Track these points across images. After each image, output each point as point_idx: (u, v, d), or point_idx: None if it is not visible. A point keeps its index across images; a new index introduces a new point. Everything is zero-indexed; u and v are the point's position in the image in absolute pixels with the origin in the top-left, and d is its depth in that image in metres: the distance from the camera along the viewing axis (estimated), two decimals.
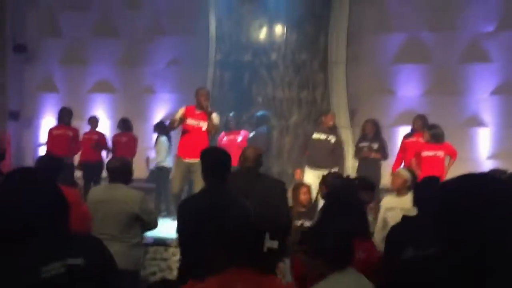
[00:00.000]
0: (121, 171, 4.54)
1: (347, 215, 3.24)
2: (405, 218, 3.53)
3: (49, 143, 8.33)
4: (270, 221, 2.00)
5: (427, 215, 3.39)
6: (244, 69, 9.68)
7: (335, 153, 7.27)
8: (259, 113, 8.58)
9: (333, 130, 7.50)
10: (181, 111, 6.79)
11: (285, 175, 8.81)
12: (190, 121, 6.66)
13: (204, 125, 6.62)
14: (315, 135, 7.33)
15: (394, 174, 5.30)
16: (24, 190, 1.72)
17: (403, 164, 7.64)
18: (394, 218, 4.24)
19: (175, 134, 8.22)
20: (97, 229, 4.36)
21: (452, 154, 7.22)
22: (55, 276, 1.64)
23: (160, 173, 8.63)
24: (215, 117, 6.81)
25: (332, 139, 7.30)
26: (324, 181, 4.67)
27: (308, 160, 7.29)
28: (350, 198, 3.83)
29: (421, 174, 6.13)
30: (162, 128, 8.83)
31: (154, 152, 8.86)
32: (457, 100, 9.55)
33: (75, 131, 8.48)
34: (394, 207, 4.67)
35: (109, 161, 4.82)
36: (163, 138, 8.64)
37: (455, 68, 9.63)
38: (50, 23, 11.23)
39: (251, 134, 8.19)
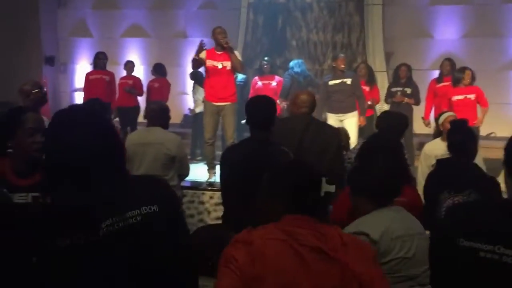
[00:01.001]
0: (159, 115, 4.60)
1: (388, 155, 3.19)
2: (439, 161, 3.52)
3: (86, 88, 8.39)
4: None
5: (459, 158, 3.40)
6: (278, 11, 9.52)
7: (354, 94, 7.17)
8: (291, 62, 8.44)
9: (348, 72, 7.36)
10: (203, 54, 6.44)
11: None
12: (212, 63, 6.37)
13: (228, 65, 6.35)
14: (331, 82, 7.21)
15: (448, 118, 5.09)
16: (83, 127, 1.61)
17: (433, 110, 7.49)
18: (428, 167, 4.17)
19: None
20: (135, 171, 4.46)
21: (481, 100, 6.98)
22: (132, 224, 1.58)
23: (196, 118, 8.65)
24: (237, 53, 6.58)
25: (348, 80, 7.16)
26: (377, 120, 4.55)
27: (329, 106, 7.21)
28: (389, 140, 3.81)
29: None
30: (198, 75, 8.80)
31: (194, 99, 8.81)
32: (498, 42, 9.25)
33: (112, 75, 8.51)
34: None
35: (147, 104, 4.84)
36: (201, 88, 8.59)
37: (497, 9, 9.28)
38: None
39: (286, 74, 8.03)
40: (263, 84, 8.12)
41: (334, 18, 9.33)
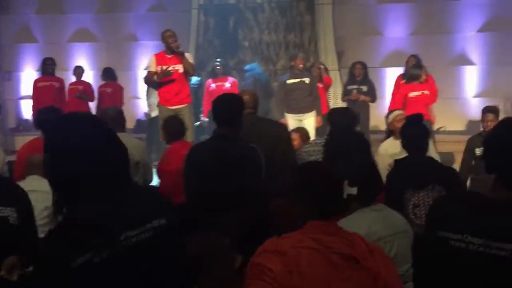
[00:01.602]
0: (118, 120, 4.49)
1: (367, 152, 3.20)
2: (397, 161, 3.54)
3: (35, 95, 8.10)
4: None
5: (417, 154, 3.43)
6: (229, 13, 9.48)
7: (312, 94, 7.22)
8: (247, 66, 8.45)
9: (305, 72, 7.41)
10: (153, 62, 6.39)
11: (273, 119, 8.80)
12: (163, 68, 6.26)
13: (180, 68, 6.28)
14: (289, 81, 7.24)
15: (397, 118, 5.16)
16: (94, 138, 1.55)
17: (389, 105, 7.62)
18: None
19: None
20: None
21: (434, 96, 7.17)
22: (146, 238, 1.54)
23: (151, 122, 8.51)
24: (188, 56, 6.51)
25: (306, 80, 7.22)
26: (328, 117, 4.53)
27: (287, 106, 7.23)
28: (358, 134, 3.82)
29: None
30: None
31: (145, 102, 8.68)
32: (445, 39, 9.52)
33: (61, 82, 8.26)
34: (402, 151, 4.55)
35: (103, 111, 4.71)
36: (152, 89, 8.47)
37: (443, 6, 9.54)
38: None
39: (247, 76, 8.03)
40: (216, 86, 8.04)
41: (286, 18, 9.37)
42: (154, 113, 8.20)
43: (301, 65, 7.19)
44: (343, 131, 3.91)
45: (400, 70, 8.45)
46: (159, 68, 6.31)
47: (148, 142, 8.47)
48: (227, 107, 3.45)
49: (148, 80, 6.55)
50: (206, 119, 8.04)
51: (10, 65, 10.99)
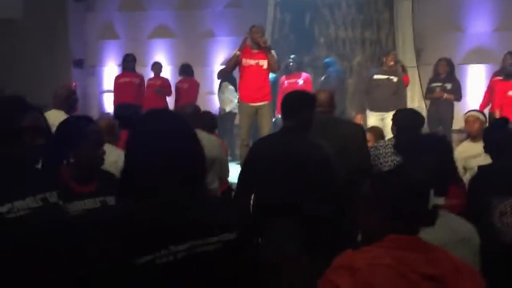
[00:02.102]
0: (195, 117, 4.60)
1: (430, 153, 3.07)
2: (481, 167, 3.40)
3: (116, 91, 8.43)
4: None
5: (503, 160, 3.27)
6: (305, 9, 9.44)
7: (398, 94, 7.04)
8: (327, 59, 8.37)
9: (395, 70, 7.21)
10: (236, 53, 6.38)
11: (348, 118, 8.69)
12: (248, 62, 6.27)
13: (264, 63, 6.27)
14: (376, 76, 7.10)
15: (468, 119, 4.97)
16: (178, 137, 1.54)
17: (490, 105, 7.35)
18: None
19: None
20: None
21: None
22: (211, 251, 1.47)
23: (223, 117, 8.64)
24: (273, 52, 6.47)
25: (394, 78, 7.04)
26: (393, 119, 4.42)
27: (370, 103, 7.08)
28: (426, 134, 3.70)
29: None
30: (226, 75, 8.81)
31: (218, 98, 8.81)
32: None
33: (141, 78, 8.54)
34: (476, 154, 4.38)
35: (181, 108, 4.83)
36: (231, 86, 8.60)
37: None
38: None
39: (323, 77, 7.98)
40: (289, 83, 8.03)
41: (363, 14, 9.21)
42: (229, 108, 8.33)
43: (391, 63, 7.05)
44: (409, 132, 3.81)
45: (482, 67, 8.15)
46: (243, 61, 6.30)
47: (220, 137, 8.61)
48: (293, 101, 3.44)
49: (230, 65, 6.46)
50: (279, 116, 8.05)
51: (94, 60, 11.49)
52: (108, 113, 5.54)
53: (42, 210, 1.91)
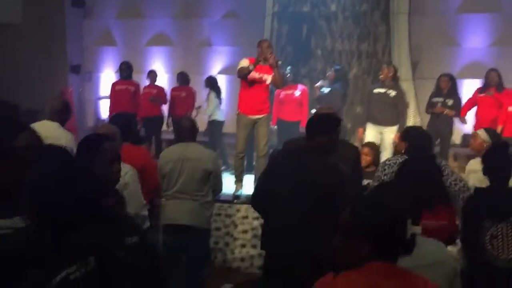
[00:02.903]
0: (191, 131, 4.62)
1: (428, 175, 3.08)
2: (477, 189, 3.41)
3: (112, 98, 8.44)
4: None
5: (499, 184, 3.29)
6: (302, 20, 9.49)
7: (396, 107, 7.06)
8: (337, 66, 8.38)
9: (393, 83, 7.24)
10: (245, 61, 6.26)
11: (344, 130, 8.72)
12: (252, 75, 6.19)
13: (268, 78, 6.23)
14: (375, 90, 7.13)
15: (472, 136, 5.01)
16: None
17: (474, 122, 7.40)
18: (478, 180, 4.03)
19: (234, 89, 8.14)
20: (172, 188, 4.48)
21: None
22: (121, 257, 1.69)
23: (212, 127, 8.67)
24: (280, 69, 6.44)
25: (392, 92, 7.05)
26: (404, 136, 4.40)
27: (369, 116, 7.11)
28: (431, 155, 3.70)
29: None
30: (213, 83, 8.85)
31: (205, 106, 8.86)
32: None
33: (137, 86, 8.55)
34: (477, 169, 4.37)
35: (180, 121, 4.85)
36: (213, 93, 8.66)
37: None
38: None
39: (326, 91, 7.99)
40: (285, 94, 8.03)
41: (360, 27, 9.26)
42: (213, 116, 8.41)
43: (389, 75, 7.08)
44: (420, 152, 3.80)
45: (478, 82, 8.16)
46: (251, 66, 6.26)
47: (211, 146, 8.61)
48: (316, 121, 3.48)
49: (241, 72, 6.31)
50: (275, 127, 8.08)
51: (91, 66, 11.52)
52: (107, 122, 5.52)
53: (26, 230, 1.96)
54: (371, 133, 6.98)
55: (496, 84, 7.28)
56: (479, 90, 7.57)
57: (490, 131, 4.90)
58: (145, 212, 3.49)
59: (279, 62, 6.38)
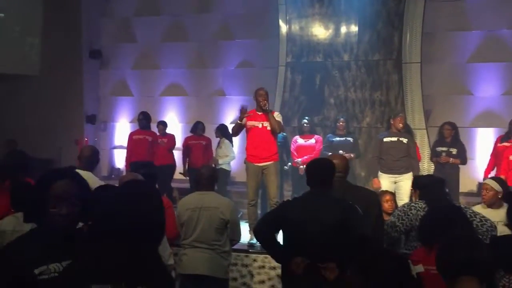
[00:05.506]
0: (212, 179, 4.65)
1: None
2: (493, 238, 3.37)
3: (129, 147, 8.51)
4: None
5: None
6: (315, 70, 9.64)
7: (409, 155, 7.06)
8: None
9: (404, 132, 7.27)
10: (237, 122, 6.60)
11: (359, 178, 8.72)
12: (253, 124, 6.40)
13: (268, 125, 6.36)
14: (386, 139, 7.15)
15: (483, 186, 4.95)
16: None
17: (495, 170, 7.35)
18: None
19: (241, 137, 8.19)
20: (190, 236, 4.47)
21: None
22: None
23: (219, 175, 8.66)
24: (277, 115, 6.56)
25: (404, 140, 7.09)
26: (415, 184, 4.38)
27: (382, 165, 7.11)
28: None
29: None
30: (225, 131, 8.92)
31: (214, 153, 8.88)
32: None
33: (154, 135, 8.64)
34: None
35: (201, 169, 4.87)
36: (227, 141, 8.71)
37: None
38: (123, 29, 11.57)
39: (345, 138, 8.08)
40: (302, 143, 8.17)
41: (372, 76, 9.39)
42: (221, 161, 8.43)
43: (400, 125, 7.12)
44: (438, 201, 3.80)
45: (490, 131, 8.19)
46: (245, 121, 6.46)
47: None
48: (320, 170, 3.61)
49: (233, 131, 6.75)
50: (288, 167, 8.22)
51: (106, 116, 11.69)
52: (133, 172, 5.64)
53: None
54: (385, 183, 6.95)
55: None
56: (501, 139, 7.58)
57: (499, 180, 4.87)
58: (172, 261, 3.49)
59: (269, 109, 6.49)
